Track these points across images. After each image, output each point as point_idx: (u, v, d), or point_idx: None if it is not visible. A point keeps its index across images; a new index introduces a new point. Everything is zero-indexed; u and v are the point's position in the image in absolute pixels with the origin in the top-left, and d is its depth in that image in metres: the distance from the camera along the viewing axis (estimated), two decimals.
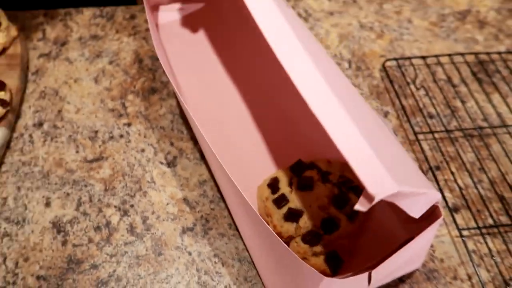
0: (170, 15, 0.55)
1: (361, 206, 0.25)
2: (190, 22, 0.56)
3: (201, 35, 0.55)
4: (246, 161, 0.45)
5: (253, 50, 0.53)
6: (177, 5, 0.55)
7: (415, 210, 0.30)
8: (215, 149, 0.43)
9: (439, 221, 0.32)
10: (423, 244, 0.34)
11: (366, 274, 0.31)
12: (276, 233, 0.36)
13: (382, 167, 0.26)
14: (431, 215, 0.33)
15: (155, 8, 0.54)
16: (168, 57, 0.51)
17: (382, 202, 0.33)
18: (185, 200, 0.43)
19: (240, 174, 0.43)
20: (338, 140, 0.27)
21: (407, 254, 0.33)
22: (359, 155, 0.26)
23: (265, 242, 0.34)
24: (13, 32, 0.53)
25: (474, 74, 0.55)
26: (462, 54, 0.56)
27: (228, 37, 0.55)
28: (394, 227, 0.40)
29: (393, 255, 0.32)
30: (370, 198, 0.25)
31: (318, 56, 0.34)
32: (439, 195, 0.31)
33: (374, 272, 0.31)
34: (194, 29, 0.55)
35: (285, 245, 0.30)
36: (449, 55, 0.56)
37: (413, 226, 0.35)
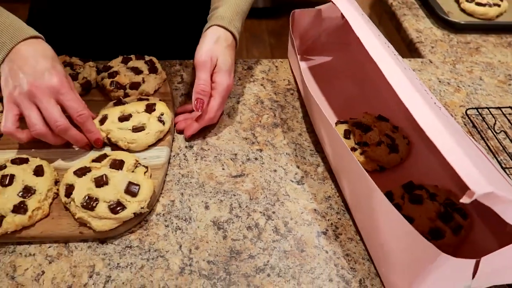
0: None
1: (464, 200, 0.33)
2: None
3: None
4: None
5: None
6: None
7: (510, 216, 0.37)
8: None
9: None
10: None
11: (473, 261, 0.37)
12: None
13: (479, 173, 0.34)
14: None
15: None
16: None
17: (483, 221, 0.40)
18: (315, 210, 0.52)
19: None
20: (447, 154, 0.35)
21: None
22: (463, 164, 0.35)
23: (392, 228, 0.41)
24: (164, 75, 0.67)
25: None
26: None
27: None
28: (494, 243, 0.47)
29: (500, 249, 0.38)
30: (471, 194, 0.33)
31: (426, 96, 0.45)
32: None
33: (482, 260, 0.37)
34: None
35: (409, 225, 0.38)
36: None
37: None
